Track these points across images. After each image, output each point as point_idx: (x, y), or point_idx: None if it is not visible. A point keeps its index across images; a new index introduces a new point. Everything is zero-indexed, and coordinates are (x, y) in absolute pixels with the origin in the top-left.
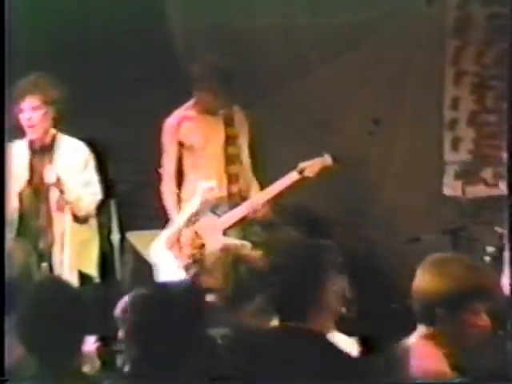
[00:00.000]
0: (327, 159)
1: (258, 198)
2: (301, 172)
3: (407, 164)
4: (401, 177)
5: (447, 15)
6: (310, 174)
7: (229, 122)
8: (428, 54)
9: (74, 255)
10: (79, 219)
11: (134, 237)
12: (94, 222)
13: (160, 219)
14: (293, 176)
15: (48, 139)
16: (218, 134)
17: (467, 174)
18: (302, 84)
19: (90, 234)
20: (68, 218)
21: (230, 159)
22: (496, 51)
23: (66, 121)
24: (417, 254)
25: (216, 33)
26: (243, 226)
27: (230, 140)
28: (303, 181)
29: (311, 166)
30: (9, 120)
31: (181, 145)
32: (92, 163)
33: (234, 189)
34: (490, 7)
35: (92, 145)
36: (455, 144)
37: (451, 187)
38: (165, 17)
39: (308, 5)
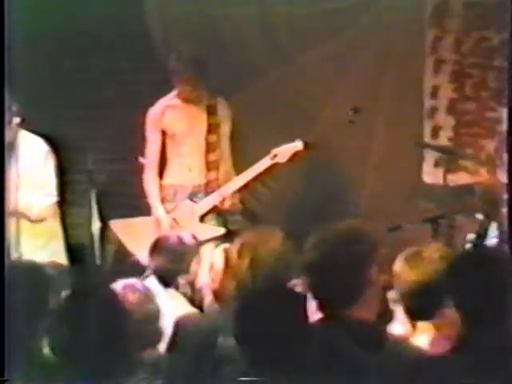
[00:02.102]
0: (298, 145)
1: (230, 186)
2: (272, 158)
3: (387, 152)
4: (381, 165)
5: (425, 4)
6: (282, 160)
7: (212, 111)
8: (407, 43)
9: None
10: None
11: (116, 225)
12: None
13: (139, 207)
14: (265, 162)
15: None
16: (201, 122)
17: (447, 162)
18: (280, 73)
19: (51, 229)
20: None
21: (210, 147)
22: (474, 39)
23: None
24: (398, 242)
25: (192, 22)
26: (221, 213)
27: (211, 128)
28: (276, 167)
29: (283, 152)
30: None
31: (164, 133)
32: (51, 162)
33: (212, 176)
34: None
35: (64, 137)
36: (435, 132)
37: (431, 175)
38: (141, 6)
39: None
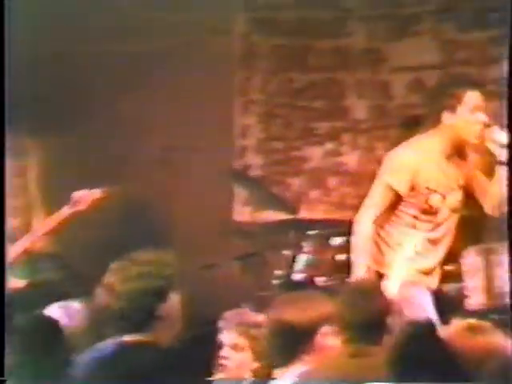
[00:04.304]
0: (96, 192)
1: (37, 230)
2: (73, 204)
3: (199, 190)
4: (195, 203)
5: (234, 45)
6: (82, 207)
7: (18, 153)
8: (217, 83)
9: None
10: None
11: None
12: None
13: None
14: (64, 210)
15: None
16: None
17: (256, 200)
18: (100, 113)
19: None
20: None
21: (16, 191)
22: (280, 80)
23: None
24: (211, 280)
25: None
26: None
27: (17, 171)
28: (79, 213)
29: (81, 198)
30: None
31: None
32: None
33: (18, 222)
34: (273, 37)
35: None
36: (245, 170)
37: (241, 213)
38: None
39: (103, 33)
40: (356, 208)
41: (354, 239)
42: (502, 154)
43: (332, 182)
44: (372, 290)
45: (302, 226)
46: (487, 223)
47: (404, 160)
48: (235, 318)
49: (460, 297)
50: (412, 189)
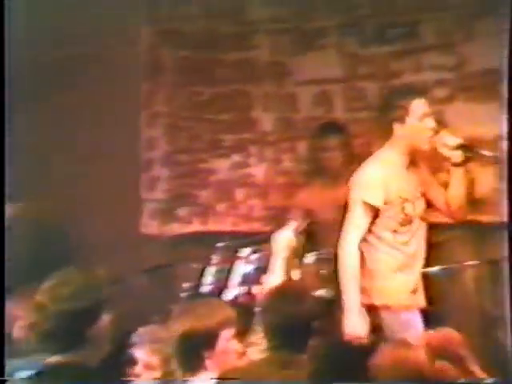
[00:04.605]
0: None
1: None
2: None
3: (107, 204)
4: (103, 215)
5: (140, 57)
6: None
7: None
8: (124, 95)
9: None
10: None
11: None
12: None
13: None
14: None
15: None
16: None
17: (163, 213)
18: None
19: None
20: None
21: None
22: (186, 93)
23: None
24: (120, 295)
25: None
26: None
27: None
28: None
29: None
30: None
31: None
32: None
33: None
34: (179, 50)
35: None
36: (152, 184)
37: (148, 226)
38: None
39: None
40: (263, 219)
41: (341, 268)
42: (455, 157)
43: (239, 194)
44: (296, 294)
45: (209, 238)
46: None
47: (372, 175)
48: (147, 335)
49: None
50: (385, 202)
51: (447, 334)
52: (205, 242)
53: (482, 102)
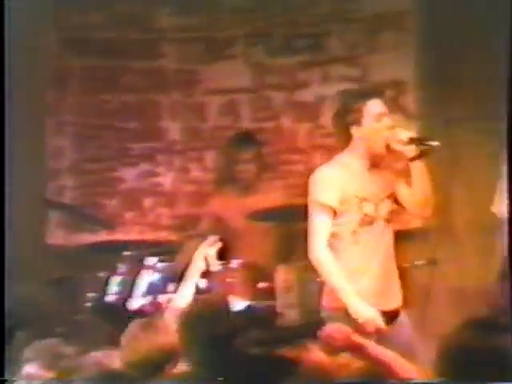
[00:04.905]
0: None
1: None
2: None
3: (15, 214)
4: (12, 228)
5: (47, 65)
6: None
7: None
8: (29, 103)
9: None
10: None
11: None
12: None
13: None
14: None
15: None
16: None
17: (70, 222)
18: None
19: None
20: None
21: None
22: (95, 101)
23: None
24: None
25: None
26: None
27: None
28: None
29: None
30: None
31: None
32: None
33: None
34: (85, 58)
35: None
36: (59, 192)
37: (54, 236)
38: None
39: None
40: (171, 228)
41: (323, 272)
42: (409, 151)
43: (147, 202)
44: (213, 310)
45: (117, 247)
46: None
47: (328, 177)
48: (46, 350)
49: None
50: (342, 203)
51: (337, 326)
52: (112, 251)
53: None
